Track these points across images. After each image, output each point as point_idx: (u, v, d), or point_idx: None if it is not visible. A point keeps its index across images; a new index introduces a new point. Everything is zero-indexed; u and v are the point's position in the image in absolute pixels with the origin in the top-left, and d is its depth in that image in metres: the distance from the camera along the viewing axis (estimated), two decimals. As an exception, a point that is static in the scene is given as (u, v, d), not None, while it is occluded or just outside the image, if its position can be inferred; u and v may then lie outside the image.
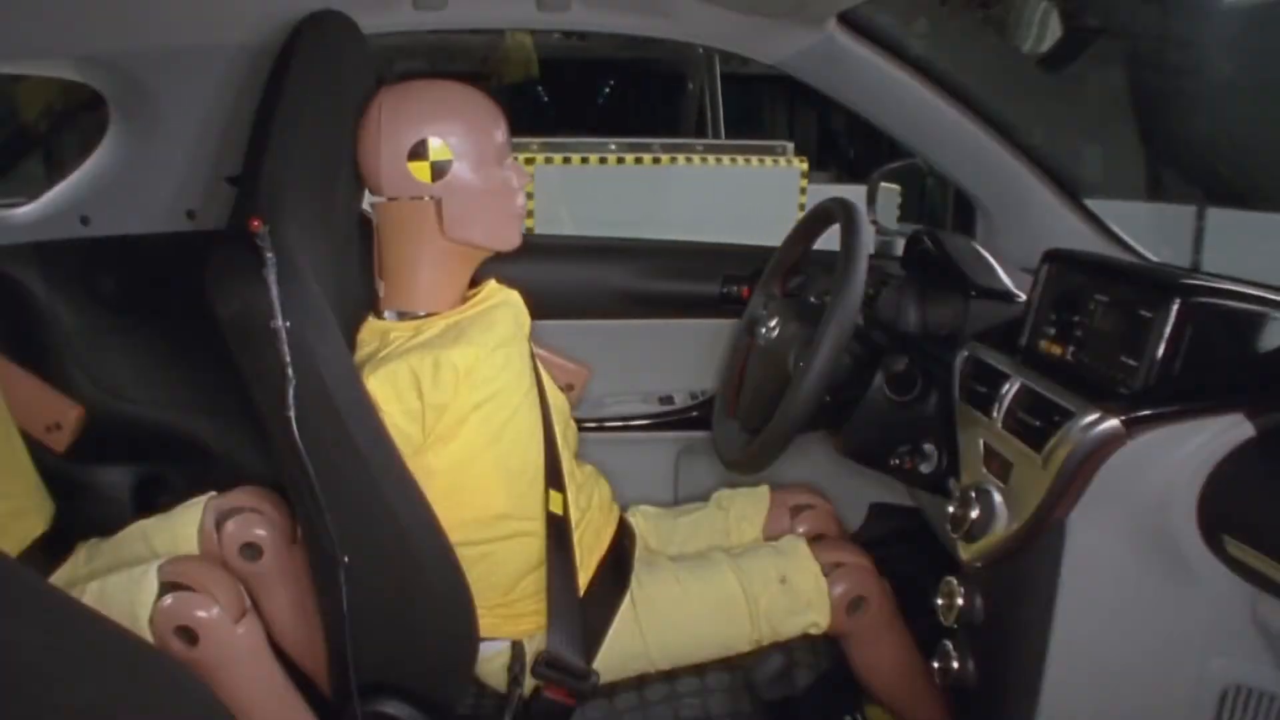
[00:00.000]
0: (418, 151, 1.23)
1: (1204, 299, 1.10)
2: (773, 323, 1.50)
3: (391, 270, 1.30)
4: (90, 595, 1.31)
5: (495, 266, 1.39)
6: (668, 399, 2.02)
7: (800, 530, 1.60)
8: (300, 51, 1.28)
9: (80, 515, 1.56)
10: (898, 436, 1.41)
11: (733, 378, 1.66)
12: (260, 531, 1.44)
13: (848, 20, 1.64)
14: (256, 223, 1.03)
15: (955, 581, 1.29)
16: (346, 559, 1.14)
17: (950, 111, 1.72)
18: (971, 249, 1.56)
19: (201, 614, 1.29)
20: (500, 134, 1.28)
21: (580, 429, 1.58)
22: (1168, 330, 1.09)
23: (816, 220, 1.57)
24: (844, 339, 1.28)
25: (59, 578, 1.42)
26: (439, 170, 1.24)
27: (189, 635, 1.29)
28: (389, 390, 1.18)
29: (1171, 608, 1.12)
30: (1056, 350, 1.25)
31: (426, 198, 1.25)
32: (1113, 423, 1.06)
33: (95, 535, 1.51)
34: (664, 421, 1.98)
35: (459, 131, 1.24)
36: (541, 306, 1.49)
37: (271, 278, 1.02)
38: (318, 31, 1.33)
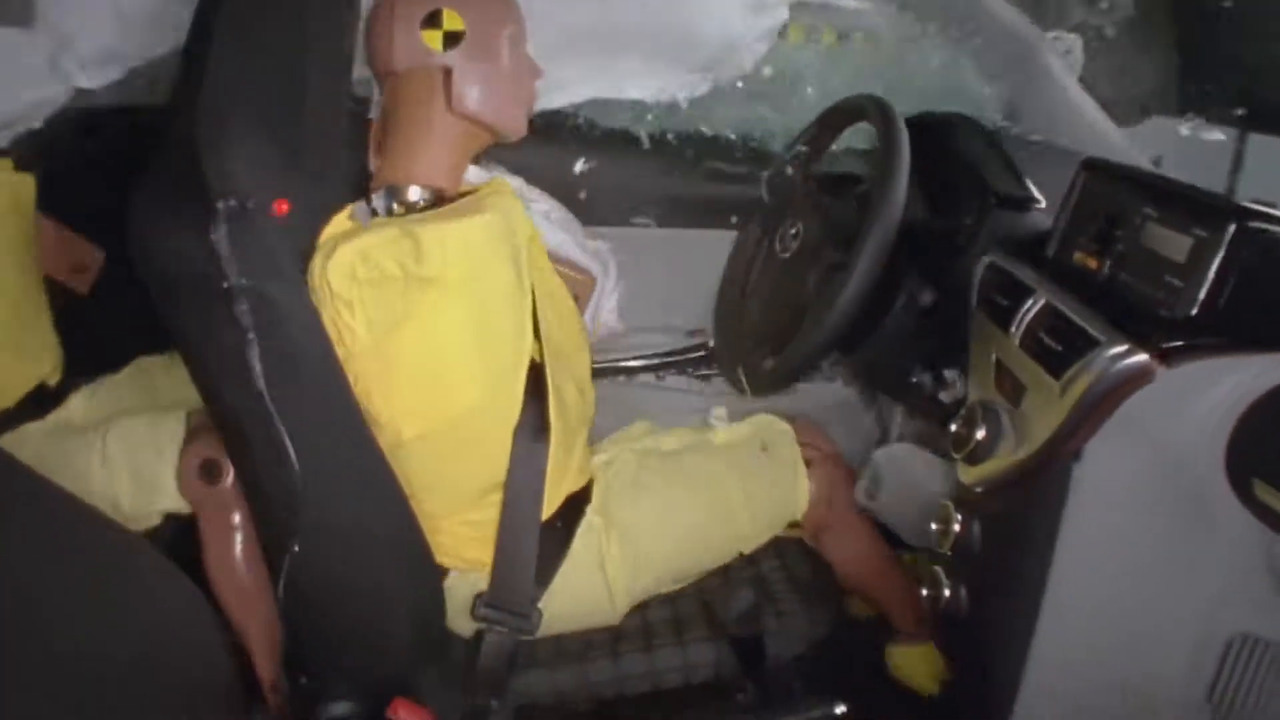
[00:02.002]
0: (432, 20, 1.21)
1: (1261, 224, 1.00)
2: (793, 231, 1.39)
3: (390, 144, 1.23)
4: (115, 434, 1.31)
5: (496, 154, 1.31)
6: (698, 333, 1.82)
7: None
8: None
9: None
10: (918, 361, 1.32)
11: (738, 281, 1.56)
12: None
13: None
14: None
15: (952, 506, 1.23)
16: (297, 548, 1.08)
17: None
18: (986, 146, 1.43)
19: None
20: (514, 24, 1.26)
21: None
22: (1220, 254, 0.99)
23: (844, 114, 1.43)
24: (886, 247, 1.18)
25: (53, 419, 1.41)
26: (451, 39, 1.21)
27: (213, 470, 1.27)
28: (369, 259, 1.07)
29: (1184, 551, 1.06)
30: (1092, 264, 1.15)
31: (436, 68, 1.21)
32: (1141, 357, 0.98)
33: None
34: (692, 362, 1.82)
35: (475, 7, 1.22)
36: None
37: (224, 245, 0.92)
38: None
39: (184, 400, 1.33)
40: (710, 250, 1.70)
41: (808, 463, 1.47)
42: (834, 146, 1.50)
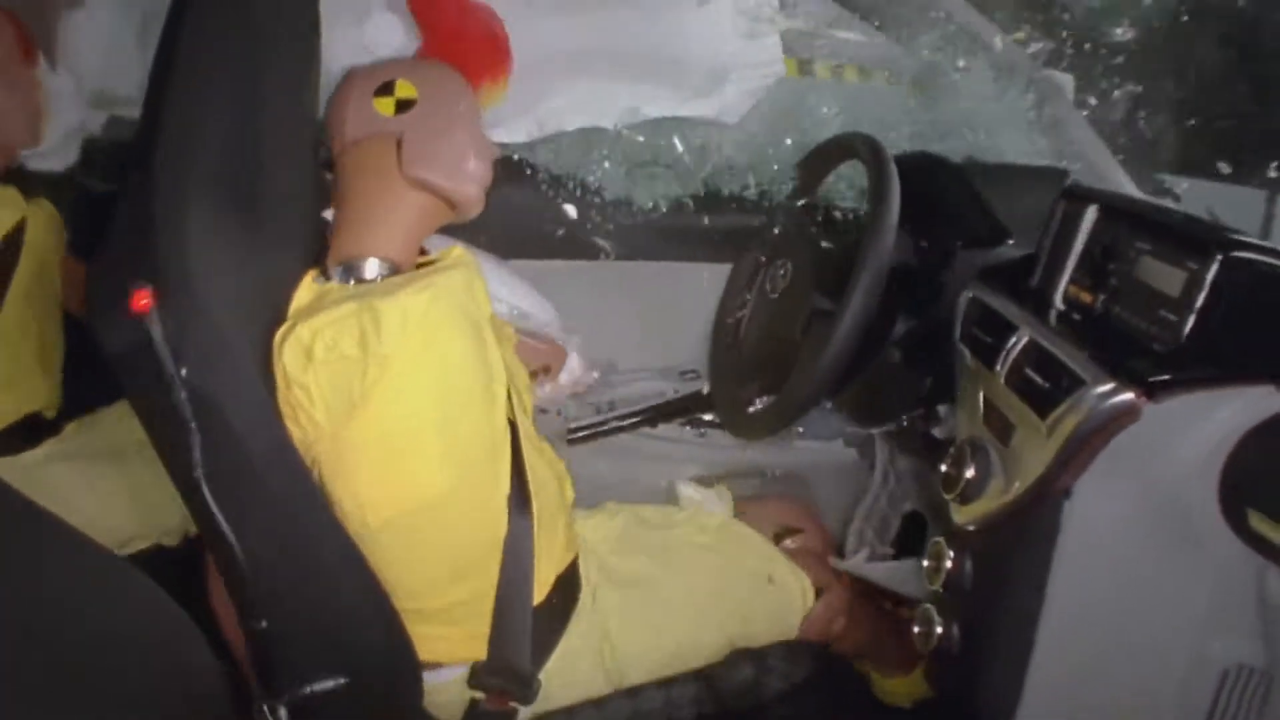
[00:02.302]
0: (385, 89, 1.20)
1: (1248, 254, 0.99)
2: (781, 271, 1.38)
3: (343, 217, 1.18)
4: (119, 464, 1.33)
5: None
6: (691, 374, 1.78)
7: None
8: None
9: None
10: (909, 397, 1.31)
11: (732, 318, 1.55)
12: None
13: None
14: (144, 300, 0.86)
15: (944, 543, 1.21)
16: (265, 623, 1.03)
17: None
18: (957, 184, 1.42)
19: None
20: (469, 101, 1.26)
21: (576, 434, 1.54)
22: (1207, 284, 0.99)
23: (835, 151, 1.42)
24: (875, 295, 1.18)
25: (45, 450, 1.44)
26: (403, 106, 1.19)
27: None
28: (327, 338, 1.02)
29: (1177, 585, 1.05)
30: (1086, 299, 1.15)
31: (389, 135, 1.19)
32: (1127, 396, 0.97)
33: None
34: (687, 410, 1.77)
35: (430, 79, 1.22)
36: (529, 241, 1.38)
37: (157, 333, 0.86)
38: None
39: None
40: (706, 284, 1.67)
41: (818, 589, 1.47)
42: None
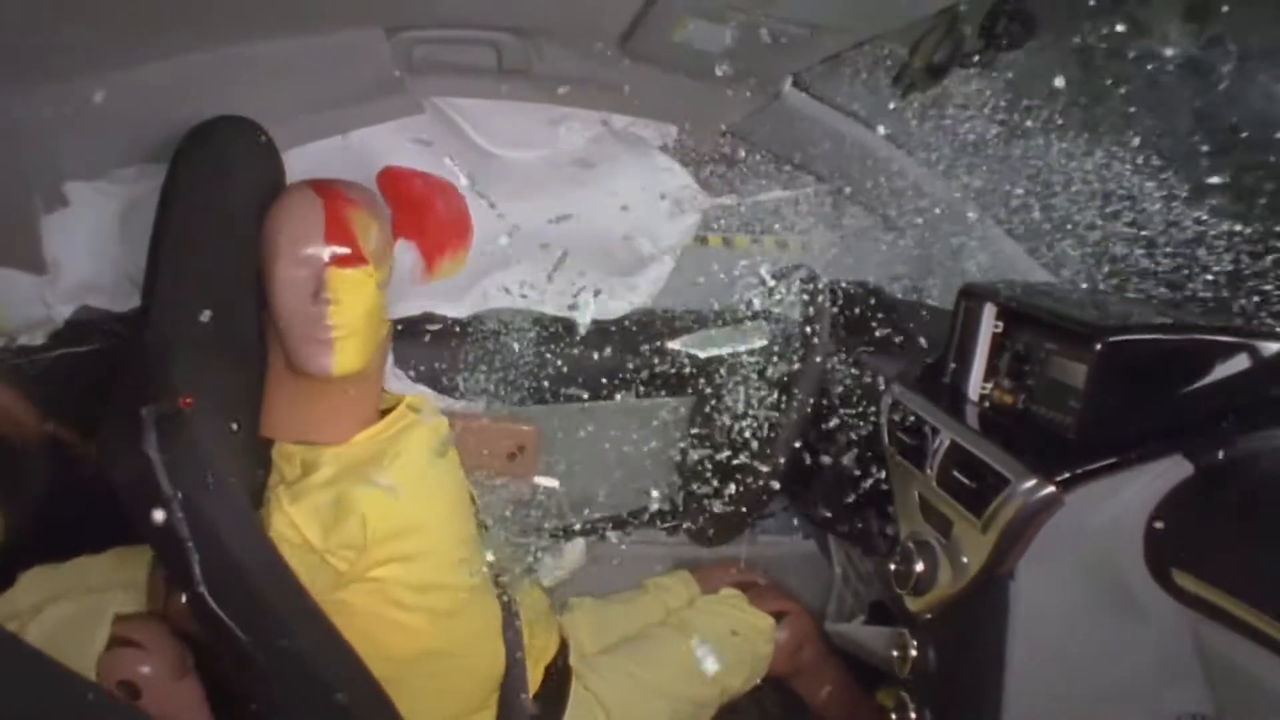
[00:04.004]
0: None
1: (1125, 337, 1.08)
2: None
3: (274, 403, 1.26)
4: (35, 632, 1.25)
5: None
6: (649, 494, 1.87)
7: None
8: (183, 168, 1.18)
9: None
10: (861, 500, 1.39)
11: (700, 439, 1.65)
12: (143, 670, 1.36)
13: (800, 82, 1.56)
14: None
15: (908, 633, 1.27)
16: None
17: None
18: (877, 303, 1.54)
19: (144, 670, 1.25)
20: (284, 260, 1.17)
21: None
22: (1096, 372, 1.07)
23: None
24: (809, 407, 1.31)
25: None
26: None
27: (131, 689, 1.25)
28: (313, 523, 1.13)
29: (1124, 644, 1.12)
30: (1008, 400, 1.23)
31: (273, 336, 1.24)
32: (1050, 489, 1.04)
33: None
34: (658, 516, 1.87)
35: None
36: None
37: (155, 455, 0.95)
38: (202, 143, 1.22)
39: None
40: (667, 418, 1.79)
41: (782, 614, 1.58)
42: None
